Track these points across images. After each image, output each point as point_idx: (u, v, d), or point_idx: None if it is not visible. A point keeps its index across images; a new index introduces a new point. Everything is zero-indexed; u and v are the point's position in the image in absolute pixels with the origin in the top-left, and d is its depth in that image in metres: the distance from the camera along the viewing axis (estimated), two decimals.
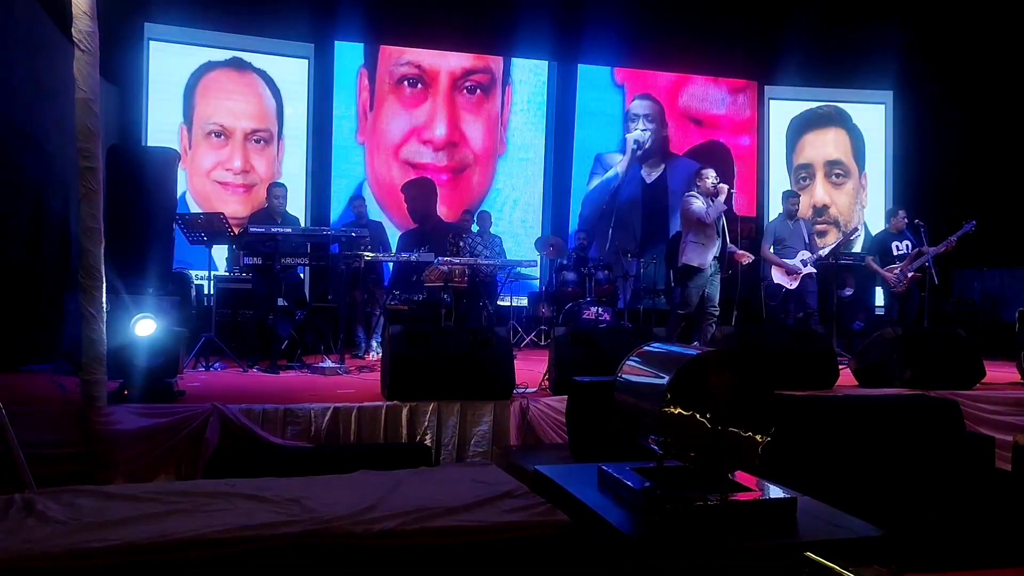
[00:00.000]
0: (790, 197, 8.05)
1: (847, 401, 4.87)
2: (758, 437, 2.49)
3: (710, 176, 6.95)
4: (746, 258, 7.14)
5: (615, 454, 3.16)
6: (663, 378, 2.53)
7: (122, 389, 4.34)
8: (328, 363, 6.09)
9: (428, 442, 4.46)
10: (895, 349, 5.44)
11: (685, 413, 2.48)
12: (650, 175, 10.81)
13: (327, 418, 4.36)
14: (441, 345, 4.70)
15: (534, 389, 5.11)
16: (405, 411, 4.46)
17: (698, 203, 6.83)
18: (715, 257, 6.85)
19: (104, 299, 4.02)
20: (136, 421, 4.08)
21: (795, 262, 7.62)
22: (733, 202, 7.03)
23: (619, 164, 10.68)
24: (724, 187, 6.81)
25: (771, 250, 7.80)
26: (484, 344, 4.74)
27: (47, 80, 6.57)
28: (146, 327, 4.38)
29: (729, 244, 6.95)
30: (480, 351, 4.71)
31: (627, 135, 10.73)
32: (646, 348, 2.84)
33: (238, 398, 4.69)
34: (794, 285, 7.61)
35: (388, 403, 4.48)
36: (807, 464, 4.02)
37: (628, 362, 2.87)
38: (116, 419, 4.03)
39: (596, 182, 10.67)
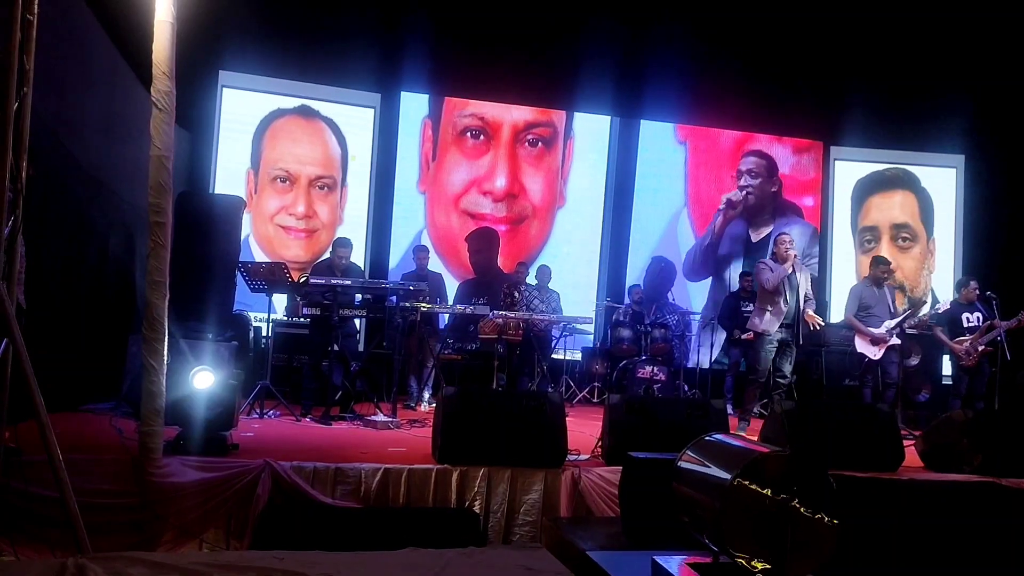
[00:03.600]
0: (881, 264, 7.66)
1: (912, 486, 4.68)
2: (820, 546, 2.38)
3: (783, 242, 6.86)
4: (815, 320, 6.91)
5: (670, 537, 3.07)
6: (722, 477, 2.45)
7: (179, 439, 4.38)
8: (380, 417, 6.09)
9: (477, 508, 4.39)
10: (964, 432, 5.21)
11: (744, 514, 2.39)
12: (758, 233, 10.67)
13: (377, 479, 4.33)
14: (494, 409, 4.66)
15: (587, 456, 5.02)
16: (455, 475, 4.41)
17: (765, 272, 6.77)
18: (785, 325, 6.69)
19: (166, 352, 4.07)
20: (190, 474, 4.11)
21: (881, 331, 7.32)
22: (803, 275, 6.85)
23: (715, 222, 10.62)
24: (792, 254, 6.72)
25: (855, 316, 7.47)
26: (537, 410, 4.68)
27: (120, 125, 6.79)
28: (204, 379, 4.42)
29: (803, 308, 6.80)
30: (533, 417, 4.65)
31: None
32: (707, 439, 2.76)
33: (290, 451, 4.72)
34: (878, 356, 7.30)
35: (438, 466, 4.44)
36: (869, 551, 3.86)
37: (688, 451, 2.79)
38: (171, 471, 4.06)
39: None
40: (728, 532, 2.41)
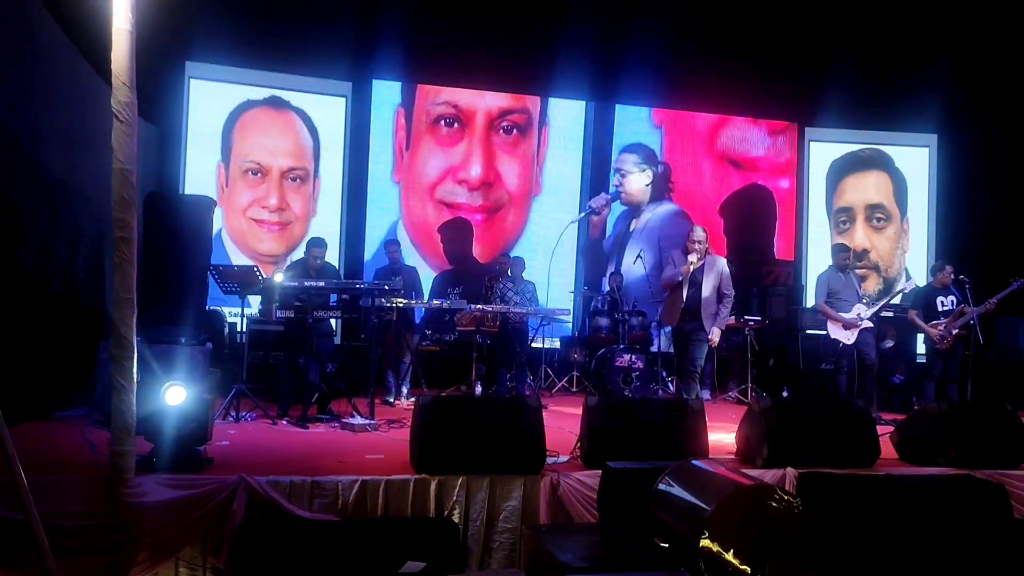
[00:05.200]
0: (841, 252, 7.82)
1: (889, 481, 4.71)
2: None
3: (691, 239, 6.78)
4: (712, 342, 6.84)
5: (647, 550, 3.06)
6: (701, 507, 2.44)
7: (152, 455, 4.32)
8: (358, 419, 6.04)
9: (456, 517, 4.37)
10: (938, 425, 5.26)
11: (723, 545, 2.38)
12: (636, 222, 10.61)
13: (354, 491, 4.29)
14: (471, 416, 4.63)
15: (566, 458, 5.00)
16: (433, 485, 4.37)
17: (667, 268, 6.98)
18: (689, 317, 6.72)
19: (135, 369, 3.99)
20: (164, 493, 4.04)
21: (852, 316, 7.39)
22: (714, 269, 6.78)
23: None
24: (692, 258, 6.66)
25: (824, 303, 7.53)
26: (515, 415, 4.66)
27: (87, 125, 6.64)
28: (176, 395, 4.35)
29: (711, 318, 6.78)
30: (511, 422, 4.63)
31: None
32: (689, 465, 2.75)
33: (266, 463, 4.69)
34: (852, 339, 7.37)
35: (416, 476, 4.40)
36: (848, 548, 3.89)
37: (668, 476, 2.78)
38: (144, 491, 3.99)
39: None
40: (706, 563, 2.40)
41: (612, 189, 10.52)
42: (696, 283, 6.73)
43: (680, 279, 6.72)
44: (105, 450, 4.18)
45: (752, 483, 2.43)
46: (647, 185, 10.68)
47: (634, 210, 10.65)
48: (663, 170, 10.74)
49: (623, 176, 10.59)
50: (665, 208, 10.69)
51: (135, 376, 4.02)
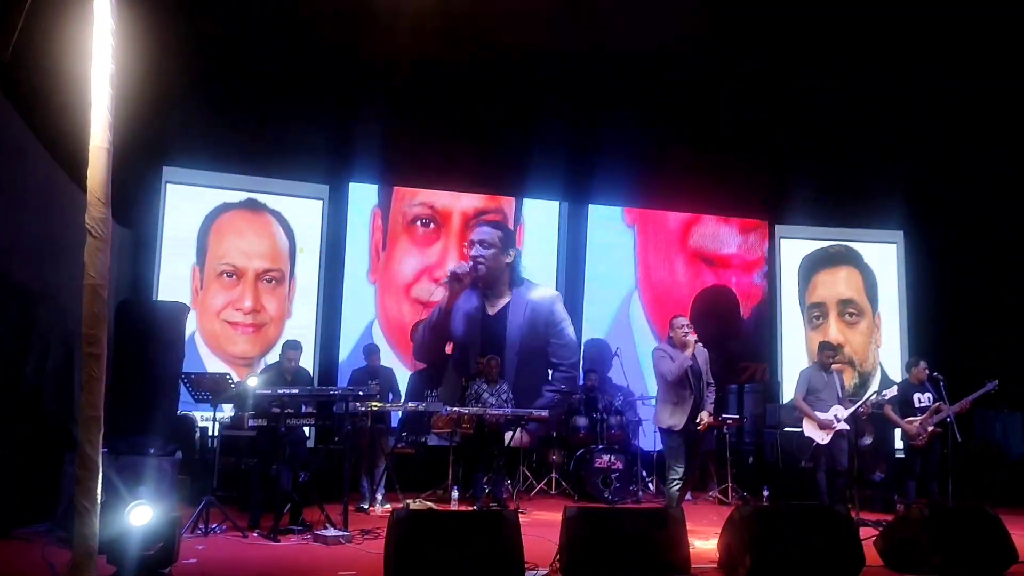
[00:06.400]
0: (826, 349, 7.74)
1: None
2: None
3: (680, 327, 6.37)
4: (703, 425, 6.38)
5: None
6: None
7: None
8: (331, 531, 5.87)
9: None
10: (922, 531, 5.18)
11: None
12: (494, 306, 10.15)
13: None
14: (447, 531, 4.51)
15: (545, 572, 4.87)
16: None
17: (665, 362, 6.33)
18: (694, 416, 6.27)
19: (99, 491, 3.88)
20: None
21: (828, 416, 7.30)
22: (701, 358, 6.38)
23: (437, 294, 10.02)
24: (691, 340, 6.25)
25: (803, 400, 7.43)
26: (492, 530, 4.54)
27: (61, 232, 6.60)
28: (142, 515, 4.21)
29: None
30: (488, 536, 4.51)
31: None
32: None
33: None
34: (826, 440, 7.27)
35: None
36: None
37: None
38: None
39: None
40: None
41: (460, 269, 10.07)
42: (698, 374, 6.32)
43: (687, 366, 6.23)
44: (66, 570, 4.02)
45: None
46: (507, 264, 10.22)
47: (484, 292, 10.12)
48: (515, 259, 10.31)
49: (485, 248, 10.09)
50: (544, 294, 10.35)
51: (99, 497, 3.90)
